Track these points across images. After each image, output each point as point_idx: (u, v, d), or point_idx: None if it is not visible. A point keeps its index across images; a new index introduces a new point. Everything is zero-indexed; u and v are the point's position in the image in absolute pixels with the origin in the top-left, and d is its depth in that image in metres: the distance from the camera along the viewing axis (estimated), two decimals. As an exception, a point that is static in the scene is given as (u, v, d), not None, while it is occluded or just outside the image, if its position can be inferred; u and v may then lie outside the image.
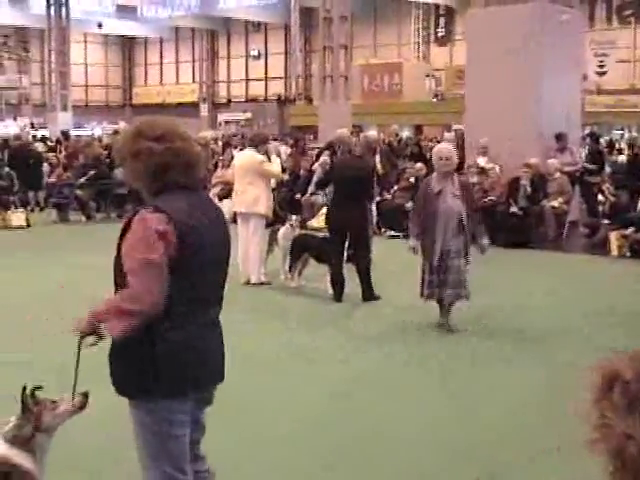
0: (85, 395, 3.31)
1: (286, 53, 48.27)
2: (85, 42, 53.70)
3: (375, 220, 12.49)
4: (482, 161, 14.35)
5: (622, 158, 19.52)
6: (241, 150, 13.93)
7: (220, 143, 24.38)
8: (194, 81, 53.45)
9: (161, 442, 3.13)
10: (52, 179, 18.01)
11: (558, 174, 13.62)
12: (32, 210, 17.97)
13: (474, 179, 13.80)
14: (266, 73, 50.20)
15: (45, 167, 19.53)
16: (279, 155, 15.10)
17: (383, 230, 14.17)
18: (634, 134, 28.95)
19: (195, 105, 50.56)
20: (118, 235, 3.12)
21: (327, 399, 5.93)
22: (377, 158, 12.69)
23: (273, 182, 10.99)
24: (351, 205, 9.01)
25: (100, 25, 47.11)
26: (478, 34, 14.89)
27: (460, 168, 14.68)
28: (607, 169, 16.37)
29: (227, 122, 46.33)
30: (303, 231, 10.79)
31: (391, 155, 16.58)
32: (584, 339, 7.47)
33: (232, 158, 13.14)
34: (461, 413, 5.61)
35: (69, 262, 11.53)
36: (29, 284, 10.10)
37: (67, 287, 9.74)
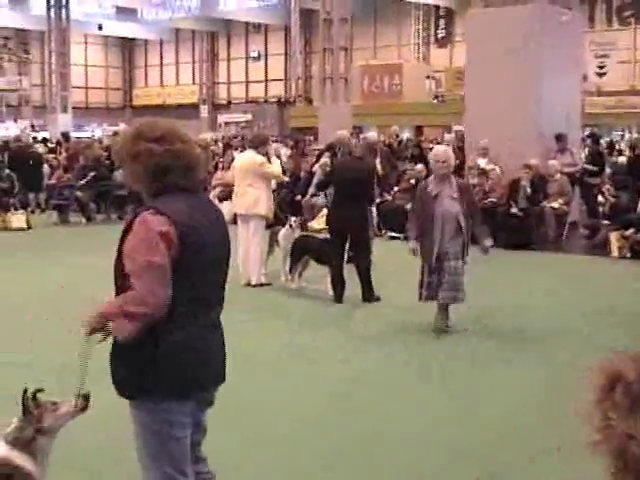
0: (86, 397, 3.31)
1: (286, 54, 48.28)
2: (85, 44, 53.73)
3: (375, 221, 12.51)
4: (483, 162, 14.36)
5: (622, 159, 19.51)
6: (241, 152, 13.94)
7: (220, 145, 24.37)
8: (194, 83, 53.48)
9: (161, 443, 3.13)
10: (52, 181, 18.02)
11: (558, 175, 13.64)
12: (32, 212, 17.97)
13: (475, 180, 13.83)
14: (266, 74, 50.22)
15: (45, 169, 19.52)
16: (279, 157, 15.12)
17: (383, 231, 14.18)
18: (635, 135, 28.97)
19: (195, 107, 50.59)
20: (119, 237, 3.11)
21: (327, 399, 5.93)
22: (377, 160, 12.71)
23: (273, 183, 11.00)
24: (351, 206, 9.02)
25: (100, 27, 47.12)
26: (478, 35, 14.90)
27: (461, 169, 14.73)
28: (607, 170, 16.38)
29: (227, 123, 46.37)
30: (303, 233, 10.80)
31: (391, 156, 16.59)
32: (584, 339, 7.48)
33: (232, 160, 13.14)
34: (461, 413, 5.61)
35: (69, 263, 11.55)
36: (29, 285, 10.11)
37: (67, 288, 9.75)
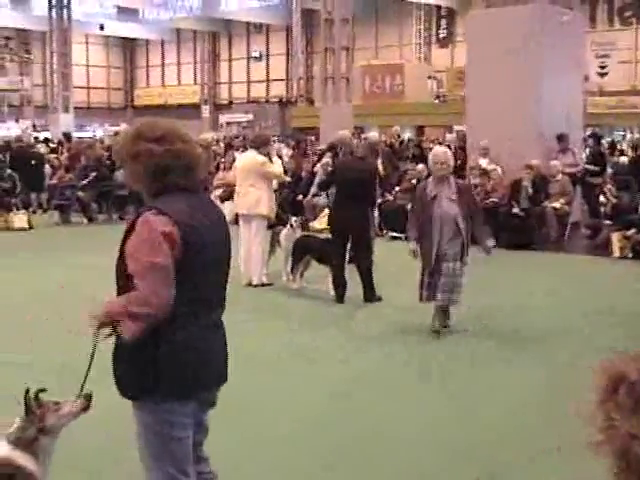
0: (88, 397, 3.32)
1: (288, 55, 48.26)
2: (87, 44, 53.72)
3: (377, 221, 12.52)
4: (484, 162, 14.37)
5: (623, 159, 19.50)
6: (243, 152, 13.95)
7: (222, 145, 24.37)
8: (196, 83, 53.47)
9: (163, 443, 3.14)
10: (54, 181, 18.02)
11: (560, 175, 13.64)
12: (34, 212, 18.00)
13: (476, 180, 13.84)
14: (267, 75, 50.20)
15: (47, 169, 19.54)
16: (281, 157, 15.14)
17: (385, 231, 14.19)
18: (637, 135, 28.95)
19: (196, 107, 50.58)
20: (121, 238, 3.11)
21: (327, 399, 5.94)
22: (379, 160, 12.71)
23: (275, 183, 11.01)
24: (353, 206, 9.03)
25: (102, 27, 47.12)
26: (478, 35, 14.91)
27: (462, 169, 14.74)
28: (609, 170, 16.37)
29: (228, 124, 46.34)
30: (305, 233, 10.81)
31: (392, 156, 16.60)
32: (584, 339, 7.48)
33: (234, 160, 13.15)
34: (461, 413, 5.62)
35: (70, 263, 11.56)
36: (30, 285, 10.13)
37: (68, 288, 9.77)
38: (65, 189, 17.20)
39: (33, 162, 18.98)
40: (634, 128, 32.49)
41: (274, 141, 17.45)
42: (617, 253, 12.10)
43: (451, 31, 41.67)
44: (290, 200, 15.45)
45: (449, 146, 19.54)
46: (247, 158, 10.34)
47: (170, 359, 3.04)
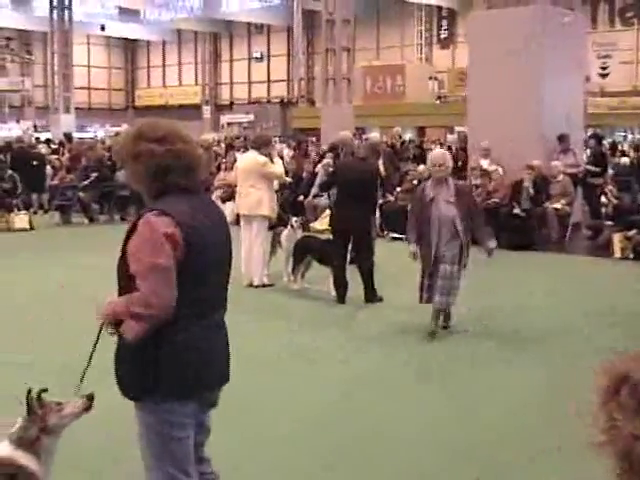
0: (90, 397, 3.32)
1: (289, 55, 48.29)
2: (88, 44, 53.77)
3: (378, 222, 12.52)
4: (485, 163, 14.37)
5: (625, 160, 19.49)
6: (244, 152, 13.95)
7: (223, 145, 24.41)
8: (197, 83, 53.51)
9: (163, 443, 3.14)
10: (55, 181, 18.03)
11: (561, 176, 13.64)
12: (35, 212, 18.00)
13: (477, 181, 13.84)
14: (269, 75, 50.22)
15: (48, 169, 19.55)
16: (282, 157, 15.14)
17: (386, 232, 14.19)
18: (638, 136, 28.94)
19: (198, 107, 50.62)
20: (122, 238, 3.11)
21: (327, 399, 5.94)
22: (380, 161, 12.71)
23: (276, 184, 11.01)
24: (354, 207, 9.03)
25: (103, 28, 47.16)
26: (480, 36, 14.91)
27: (463, 170, 14.75)
28: (610, 171, 16.37)
29: (230, 124, 46.34)
30: (306, 233, 10.81)
31: (394, 157, 16.60)
32: (585, 340, 7.48)
33: (235, 160, 13.15)
34: (461, 413, 5.62)
35: (71, 263, 11.56)
36: (31, 285, 10.14)
37: (69, 288, 9.77)
38: (66, 190, 17.22)
39: (34, 163, 19.00)
40: (635, 129, 32.51)
41: (275, 142, 17.50)
42: (618, 254, 12.10)
43: (452, 32, 41.68)
44: (291, 201, 15.45)
45: (450, 147, 19.53)
46: (248, 159, 10.34)
47: (171, 359, 3.05)
